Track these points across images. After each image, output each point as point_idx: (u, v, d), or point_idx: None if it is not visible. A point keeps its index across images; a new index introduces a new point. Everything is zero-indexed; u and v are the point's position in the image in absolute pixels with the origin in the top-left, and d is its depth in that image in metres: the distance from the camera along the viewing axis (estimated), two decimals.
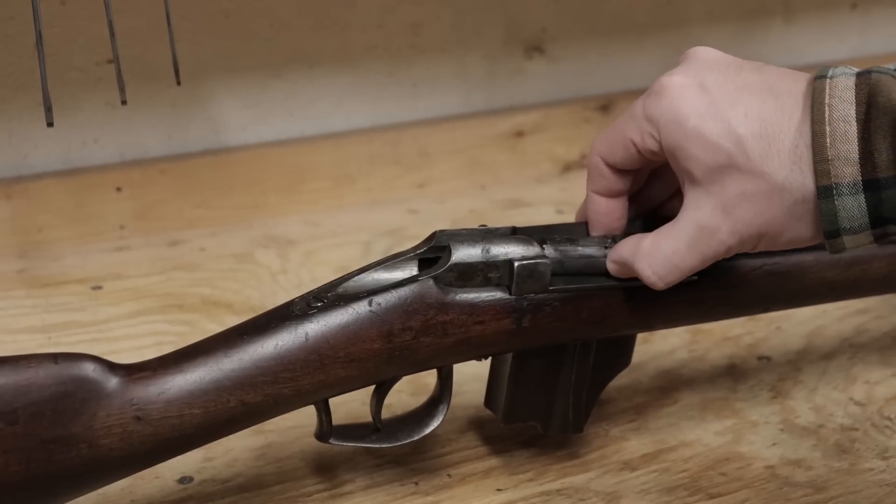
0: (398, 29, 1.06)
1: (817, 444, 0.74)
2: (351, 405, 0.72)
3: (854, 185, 0.55)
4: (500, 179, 1.10)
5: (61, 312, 0.87)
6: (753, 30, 1.24)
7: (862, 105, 0.55)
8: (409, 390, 0.76)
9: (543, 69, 1.14)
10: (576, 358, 0.68)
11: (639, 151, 0.62)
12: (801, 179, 0.57)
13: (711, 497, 0.69)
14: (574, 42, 1.15)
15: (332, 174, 1.04)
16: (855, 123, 0.55)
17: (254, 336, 0.61)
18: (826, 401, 0.79)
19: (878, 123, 0.55)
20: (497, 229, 0.65)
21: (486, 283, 0.64)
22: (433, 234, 0.65)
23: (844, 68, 0.58)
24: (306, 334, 0.61)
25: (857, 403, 0.79)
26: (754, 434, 0.75)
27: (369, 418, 0.67)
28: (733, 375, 0.82)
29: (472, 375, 0.73)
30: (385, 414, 0.67)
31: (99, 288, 0.90)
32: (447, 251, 0.64)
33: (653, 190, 0.68)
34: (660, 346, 0.84)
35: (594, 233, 0.66)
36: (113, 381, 0.58)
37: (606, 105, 1.14)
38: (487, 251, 0.64)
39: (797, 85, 0.59)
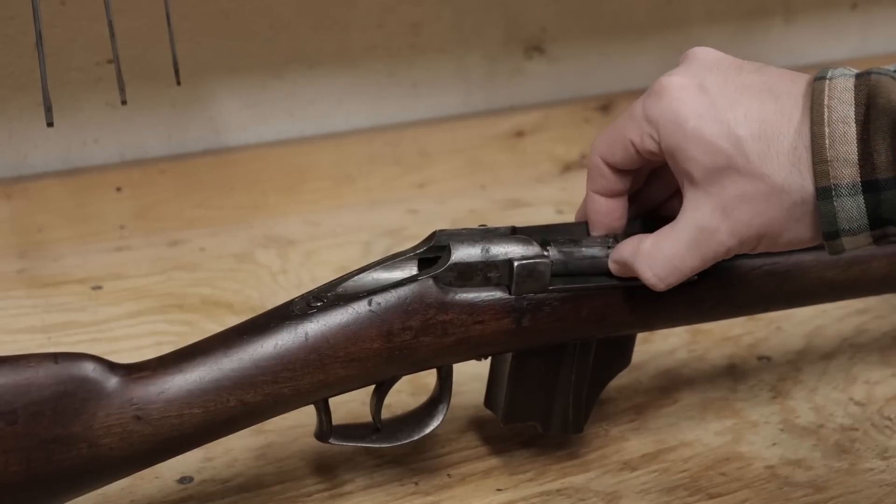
0: (398, 29, 1.06)
1: (817, 444, 0.74)
2: (351, 405, 0.72)
3: (853, 186, 0.55)
4: (500, 179, 1.10)
5: (61, 312, 0.87)
6: (753, 30, 1.24)
7: (861, 106, 0.55)
8: (409, 390, 0.76)
9: (543, 69, 1.14)
10: (576, 358, 0.68)
11: (638, 152, 0.62)
12: (800, 181, 0.57)
13: (711, 497, 0.69)
14: (574, 42, 1.15)
15: (332, 174, 1.04)
16: (854, 125, 0.55)
17: (253, 336, 0.61)
18: (826, 401, 0.79)
19: (878, 125, 0.55)
20: (497, 229, 0.65)
21: (486, 283, 0.64)
22: (433, 234, 0.65)
23: (844, 69, 0.58)
24: (306, 334, 0.61)
25: (857, 403, 0.79)
26: (754, 434, 0.75)
27: (369, 418, 0.67)
28: (733, 375, 0.82)
29: (472, 375, 0.73)
30: (385, 414, 0.67)
31: (99, 288, 0.90)
32: (447, 251, 0.64)
33: (652, 190, 0.68)
34: (660, 346, 0.84)
35: (594, 232, 0.66)
36: (113, 381, 0.58)
37: (606, 105, 1.14)
38: (487, 251, 0.64)
39: (797, 86, 0.59)
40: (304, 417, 0.66)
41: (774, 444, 0.74)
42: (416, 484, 0.70)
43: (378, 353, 0.62)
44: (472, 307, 0.64)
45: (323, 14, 1.02)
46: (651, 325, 0.69)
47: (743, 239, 0.60)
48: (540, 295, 0.64)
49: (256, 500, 0.68)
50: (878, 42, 1.30)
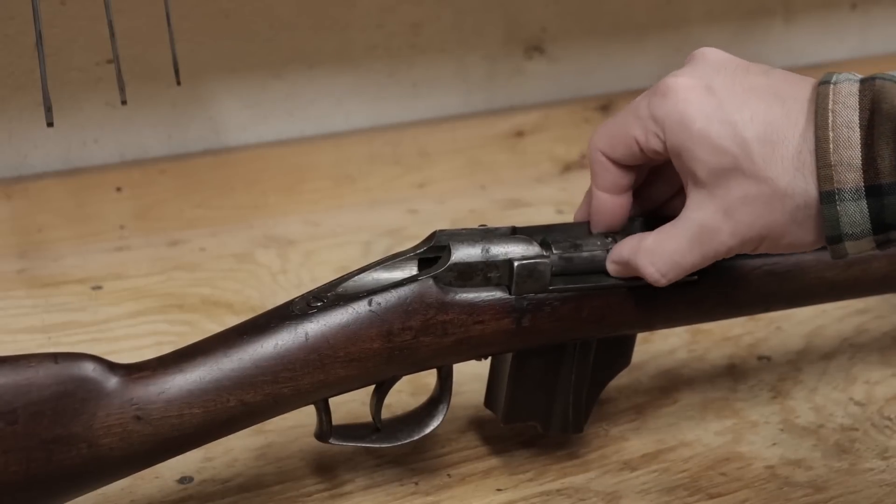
0: (398, 29, 1.06)
1: (817, 444, 0.74)
2: (351, 405, 0.72)
3: (857, 190, 0.56)
4: (500, 179, 1.10)
5: (61, 312, 0.87)
6: (753, 30, 1.24)
7: (865, 111, 0.56)
8: (409, 390, 0.76)
9: (543, 69, 1.14)
10: (576, 358, 0.68)
11: (641, 150, 0.62)
12: (804, 185, 0.57)
13: (711, 497, 0.69)
14: (574, 42, 1.15)
15: (332, 174, 1.04)
16: (858, 129, 0.55)
17: (254, 336, 0.61)
18: (826, 401, 0.79)
19: (882, 130, 0.55)
20: (497, 229, 0.65)
21: (486, 283, 0.64)
22: (433, 234, 0.65)
23: (849, 74, 0.58)
24: (306, 334, 0.61)
25: (857, 403, 0.79)
26: (754, 434, 0.75)
27: (369, 418, 0.67)
28: (733, 375, 0.82)
29: (472, 375, 0.73)
30: (385, 414, 0.67)
31: (99, 288, 0.90)
32: (447, 251, 0.64)
33: (654, 189, 0.68)
34: (660, 346, 0.84)
35: (596, 230, 0.66)
36: (113, 381, 0.58)
37: (606, 105, 1.14)
38: (487, 251, 0.64)
39: (803, 90, 0.59)
40: (304, 417, 0.66)
41: (774, 444, 0.74)
42: (416, 484, 0.70)
43: (378, 353, 0.62)
44: (472, 307, 0.64)
45: (323, 14, 1.02)
46: (651, 325, 0.69)
47: (744, 240, 0.60)
48: (540, 295, 0.64)
49: (256, 500, 0.68)
50: (878, 42, 1.30)
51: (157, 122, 1.00)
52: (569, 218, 0.69)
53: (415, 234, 0.82)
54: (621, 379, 0.75)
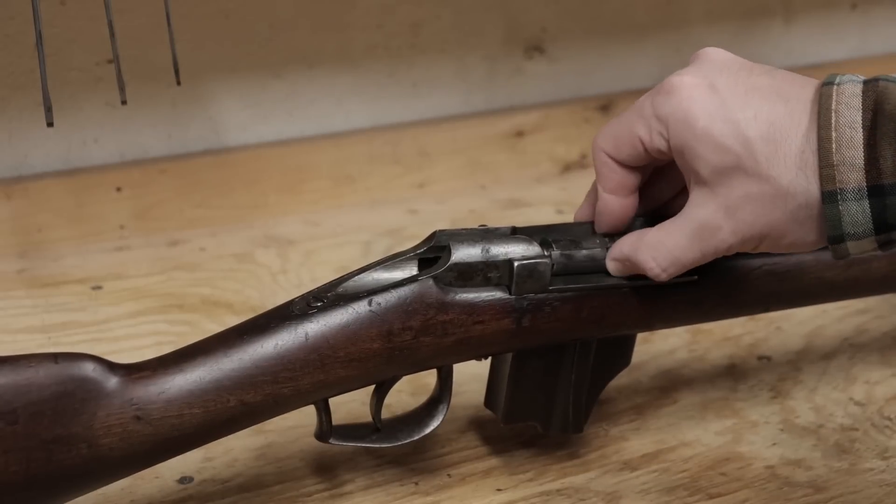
0: (398, 29, 1.06)
1: (817, 444, 0.74)
2: (351, 405, 0.72)
3: (859, 190, 0.56)
4: (500, 179, 1.10)
5: (61, 312, 0.87)
6: (753, 30, 1.24)
7: (868, 112, 0.56)
8: (409, 390, 0.76)
9: (543, 69, 1.14)
10: (576, 358, 0.68)
11: (646, 150, 0.62)
12: (806, 184, 0.57)
13: (711, 497, 0.69)
14: (574, 42, 1.15)
15: (332, 174, 1.04)
16: (861, 130, 0.56)
17: (254, 336, 0.61)
18: (826, 401, 0.79)
19: (885, 130, 0.55)
20: (497, 229, 0.65)
21: (486, 283, 0.64)
22: (433, 234, 0.65)
23: (852, 76, 0.58)
24: (306, 334, 0.61)
25: (857, 403, 0.79)
26: (754, 434, 0.75)
27: (369, 418, 0.67)
28: (733, 375, 0.82)
29: (472, 375, 0.73)
30: (385, 414, 0.67)
31: (99, 288, 0.90)
32: (447, 251, 0.64)
33: (656, 189, 0.67)
34: (660, 346, 0.84)
35: (600, 231, 0.66)
36: (113, 381, 0.58)
37: (606, 105, 1.14)
38: (487, 251, 0.64)
39: (805, 91, 0.59)
40: (304, 417, 0.66)
41: (774, 444, 0.74)
42: (416, 484, 0.70)
43: (378, 354, 0.62)
44: (472, 307, 0.64)
45: (323, 14, 1.02)
46: (651, 325, 0.69)
47: (745, 238, 0.60)
48: (540, 295, 0.64)
49: (256, 500, 0.68)
50: (878, 42, 1.30)
51: (157, 122, 1.00)
52: (569, 218, 0.69)
53: (415, 234, 0.82)
54: (621, 379, 0.75)
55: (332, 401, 0.64)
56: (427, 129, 1.08)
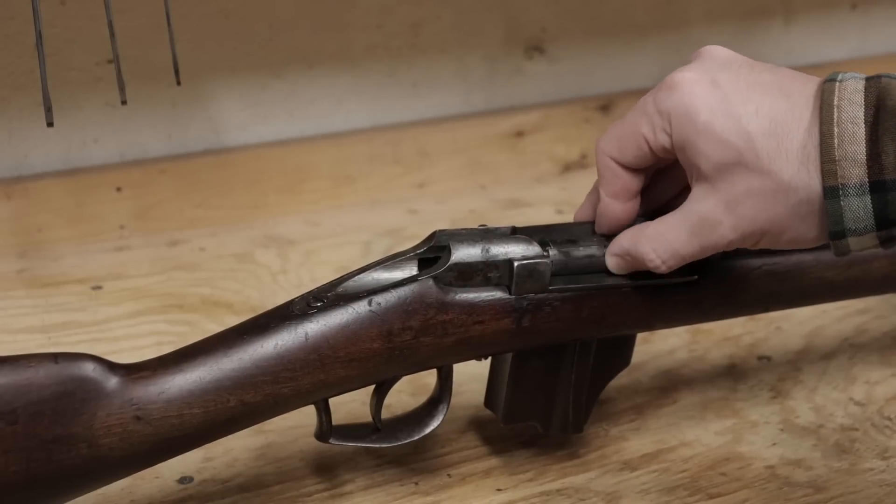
0: (398, 29, 1.06)
1: (817, 444, 0.74)
2: (351, 405, 0.72)
3: (861, 186, 0.56)
4: (500, 179, 1.10)
5: (61, 312, 0.87)
6: (753, 30, 1.24)
7: (870, 108, 0.56)
8: (409, 390, 0.76)
9: (543, 69, 1.14)
10: (575, 358, 0.68)
11: (651, 148, 0.62)
12: (808, 179, 0.57)
13: (711, 497, 0.69)
14: (574, 42, 1.15)
15: (332, 174, 1.04)
16: (863, 125, 0.56)
17: (254, 336, 0.61)
18: (826, 401, 0.79)
19: (886, 126, 0.55)
20: (497, 229, 0.65)
21: (486, 283, 0.64)
22: (433, 234, 0.65)
23: (854, 73, 0.58)
24: (306, 334, 0.61)
25: (857, 403, 0.79)
26: (754, 434, 0.75)
27: (369, 418, 0.67)
28: (733, 375, 0.82)
29: (472, 375, 0.73)
30: (385, 414, 0.67)
31: (99, 288, 0.90)
32: (447, 251, 0.64)
33: (657, 189, 0.67)
34: (660, 346, 0.84)
35: (600, 231, 0.66)
36: (113, 381, 0.58)
37: (606, 105, 1.14)
38: (487, 251, 0.64)
39: (808, 87, 0.59)
40: (304, 417, 0.66)
41: (774, 444, 0.74)
42: (416, 484, 0.70)
43: (378, 354, 0.62)
44: (472, 307, 0.64)
45: (323, 14, 1.02)
46: (651, 325, 0.69)
47: (745, 234, 0.60)
48: (540, 295, 0.64)
49: (256, 500, 0.68)
50: (878, 42, 1.30)
51: (157, 122, 1.00)
52: (569, 218, 0.69)
53: (415, 234, 0.82)
54: (621, 379, 0.75)
55: (332, 401, 0.64)
56: (427, 129, 1.08)
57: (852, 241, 0.57)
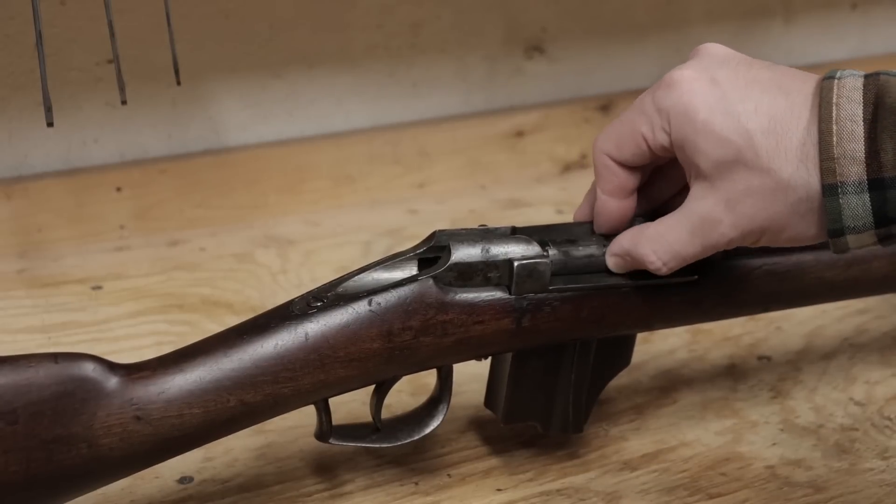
0: (398, 29, 1.06)
1: (817, 444, 0.74)
2: (351, 405, 0.72)
3: (859, 183, 0.56)
4: (500, 179, 1.10)
5: (61, 312, 0.87)
6: (753, 30, 1.24)
7: (869, 105, 0.56)
8: (409, 390, 0.76)
9: (543, 69, 1.14)
10: (575, 358, 0.68)
11: (649, 147, 0.62)
12: (807, 177, 0.57)
13: (711, 497, 0.69)
14: (574, 42, 1.15)
15: (332, 174, 1.04)
16: (862, 123, 0.56)
17: (254, 336, 0.61)
18: (826, 401, 0.79)
19: (885, 124, 0.55)
20: (497, 229, 0.65)
21: (486, 283, 0.64)
22: (433, 234, 0.65)
23: (852, 71, 0.58)
24: (306, 334, 0.61)
25: (857, 403, 0.79)
26: (754, 434, 0.75)
27: (369, 418, 0.67)
28: (733, 375, 0.82)
29: (472, 375, 0.73)
30: (385, 414, 0.67)
31: (99, 288, 0.90)
32: (447, 251, 0.64)
33: (655, 188, 0.67)
34: (660, 346, 0.84)
35: (600, 232, 0.66)
36: (113, 381, 0.58)
37: (606, 105, 1.14)
38: (487, 251, 0.64)
39: (807, 85, 0.59)
40: (304, 417, 0.66)
41: (774, 444, 0.74)
42: (416, 484, 0.70)
43: (378, 353, 0.62)
44: (472, 307, 0.64)
45: (323, 14, 1.02)
46: (651, 325, 0.69)
47: (745, 232, 0.60)
48: (540, 295, 0.64)
49: (256, 500, 0.68)
50: (878, 42, 1.30)
51: (157, 122, 1.00)
52: (569, 218, 0.69)
53: (415, 234, 0.82)
54: (621, 379, 0.75)
55: (332, 401, 0.64)
56: (427, 129, 1.08)
57: (851, 239, 0.57)
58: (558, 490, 0.70)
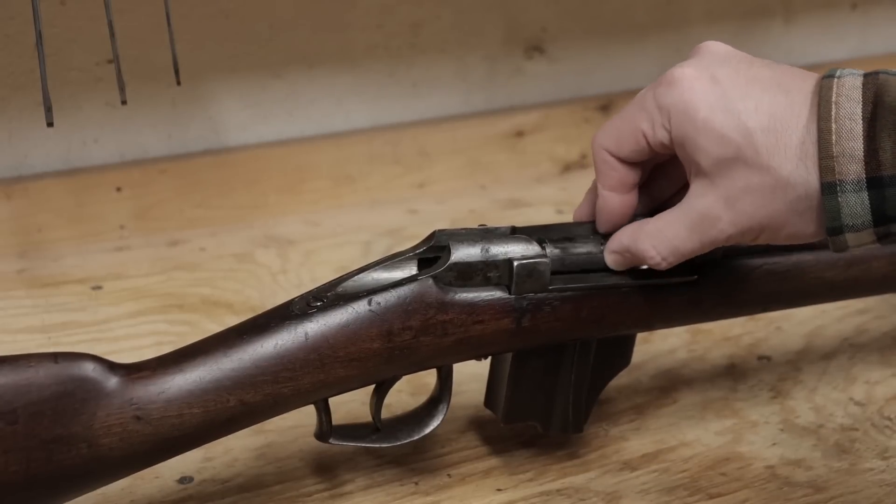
0: (398, 29, 1.06)
1: (817, 444, 0.74)
2: (351, 405, 0.72)
3: (858, 182, 0.56)
4: (500, 179, 1.10)
5: (61, 312, 0.87)
6: (753, 30, 1.24)
7: (868, 104, 0.56)
8: (409, 390, 0.76)
9: (543, 69, 1.14)
10: (576, 358, 0.68)
11: (649, 144, 0.62)
12: (806, 175, 0.57)
13: (711, 497, 0.69)
14: (574, 42, 1.15)
15: (332, 174, 1.04)
16: (861, 121, 0.56)
17: (253, 336, 0.61)
18: (826, 401, 0.79)
19: (884, 122, 0.55)
20: (497, 229, 0.65)
21: (486, 283, 0.64)
22: (433, 234, 0.65)
23: (852, 70, 0.58)
24: (306, 334, 0.61)
25: (857, 403, 0.79)
26: (754, 434, 0.75)
27: (369, 418, 0.67)
28: (733, 375, 0.82)
29: (472, 375, 0.73)
30: (385, 414, 0.67)
31: (99, 288, 0.90)
32: (447, 251, 0.64)
33: (656, 186, 0.67)
34: (660, 346, 0.84)
35: (602, 230, 0.66)
36: (113, 381, 0.58)
37: (606, 105, 1.14)
38: (487, 251, 0.64)
39: (806, 83, 0.59)
40: (304, 417, 0.66)
41: (774, 444, 0.74)
42: (416, 484, 0.70)
43: (378, 353, 0.62)
44: (471, 307, 0.64)
45: (323, 14, 1.02)
46: (651, 325, 0.69)
47: (744, 229, 0.60)
48: (540, 295, 0.64)
49: (256, 500, 0.68)
50: (878, 42, 1.30)
51: (157, 121, 1.00)
52: (569, 218, 0.69)
53: (415, 234, 0.82)
54: (621, 379, 0.75)
55: (332, 401, 0.64)
56: (427, 129, 1.08)
57: (850, 238, 0.57)
58: (558, 490, 0.70)
